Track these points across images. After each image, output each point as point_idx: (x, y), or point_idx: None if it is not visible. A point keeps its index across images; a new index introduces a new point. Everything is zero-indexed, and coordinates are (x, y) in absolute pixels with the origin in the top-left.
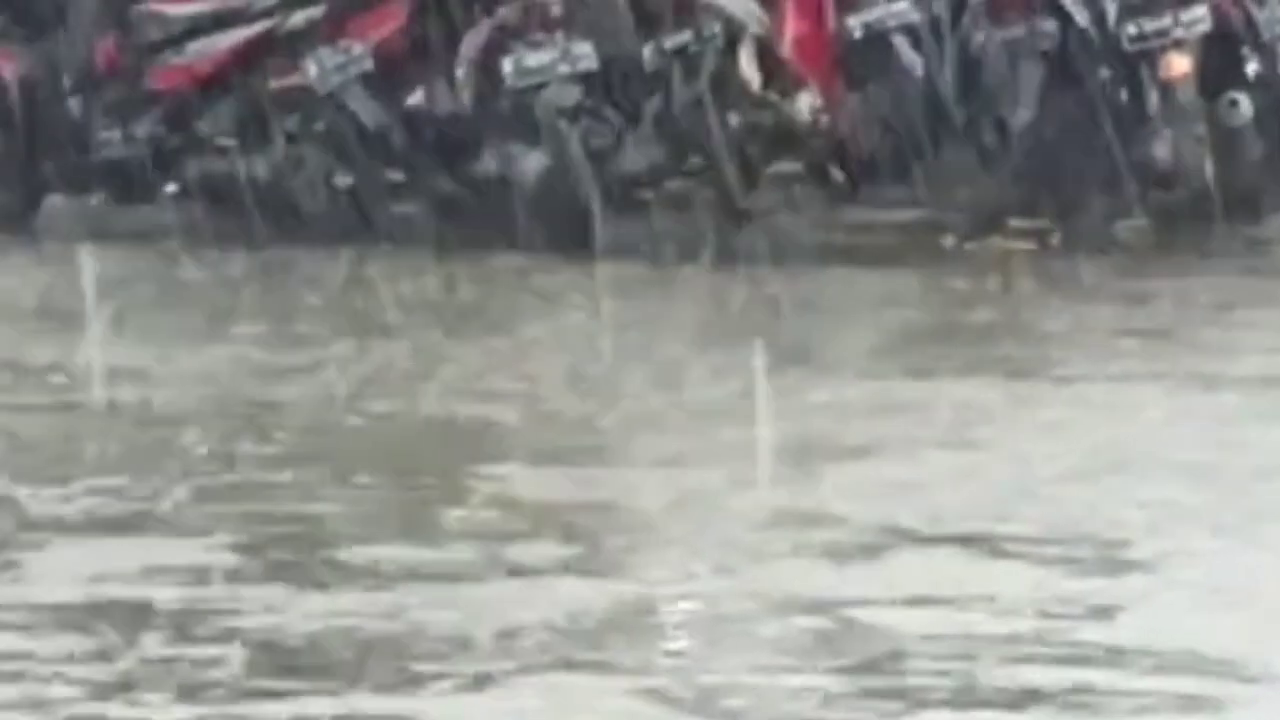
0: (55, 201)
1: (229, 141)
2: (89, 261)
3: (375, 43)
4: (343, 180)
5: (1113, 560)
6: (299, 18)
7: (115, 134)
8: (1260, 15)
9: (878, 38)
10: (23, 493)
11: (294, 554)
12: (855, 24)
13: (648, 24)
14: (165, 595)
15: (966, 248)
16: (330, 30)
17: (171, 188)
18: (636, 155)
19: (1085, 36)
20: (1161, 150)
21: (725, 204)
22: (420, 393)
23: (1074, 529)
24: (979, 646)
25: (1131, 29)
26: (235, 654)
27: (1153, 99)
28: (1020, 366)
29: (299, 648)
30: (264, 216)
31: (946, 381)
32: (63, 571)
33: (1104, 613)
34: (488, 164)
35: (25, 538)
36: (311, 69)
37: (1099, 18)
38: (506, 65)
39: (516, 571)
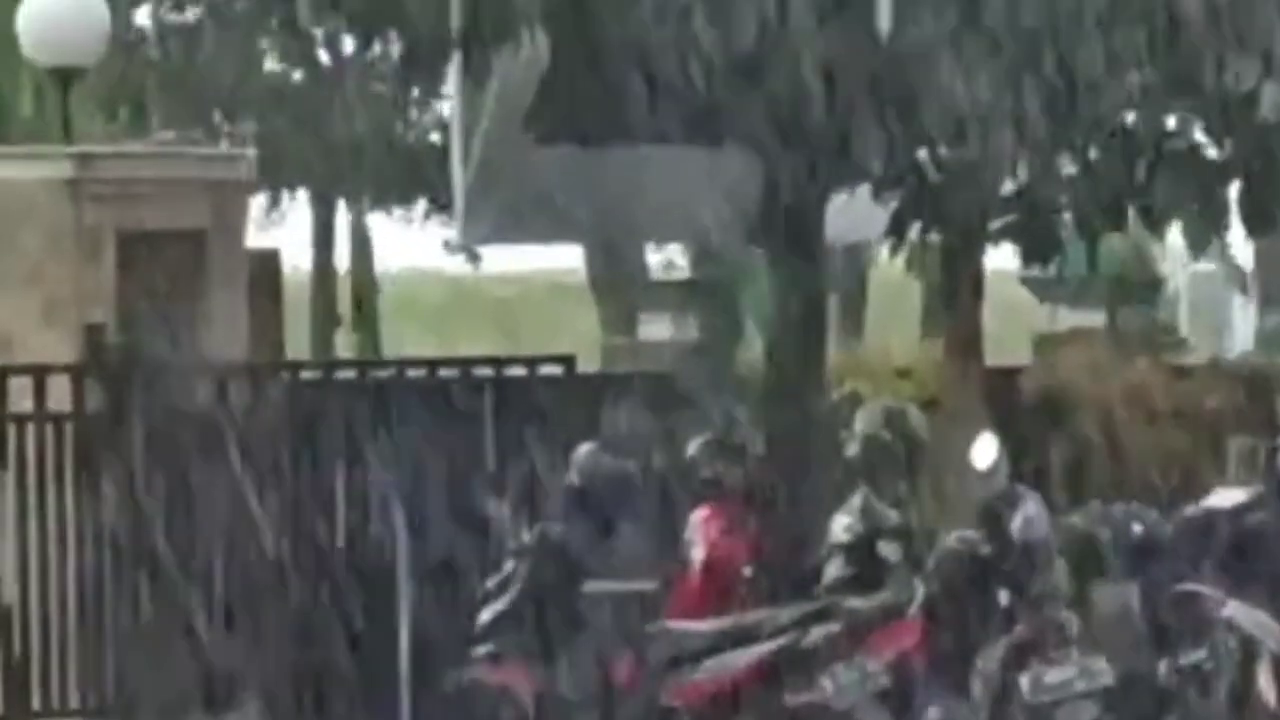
0: None
1: None
2: None
3: (891, 659)
4: None
5: None
6: (816, 635)
7: None
8: None
9: None
10: None
11: None
12: None
13: (1161, 640)
14: None
15: None
16: (847, 646)
17: None
18: None
19: None
20: None
21: None
22: None
23: None
24: None
25: None
26: None
27: None
28: None
29: None
30: None
31: None
32: None
33: None
34: None
35: None
36: (828, 685)
37: None
38: (1023, 681)
39: None
